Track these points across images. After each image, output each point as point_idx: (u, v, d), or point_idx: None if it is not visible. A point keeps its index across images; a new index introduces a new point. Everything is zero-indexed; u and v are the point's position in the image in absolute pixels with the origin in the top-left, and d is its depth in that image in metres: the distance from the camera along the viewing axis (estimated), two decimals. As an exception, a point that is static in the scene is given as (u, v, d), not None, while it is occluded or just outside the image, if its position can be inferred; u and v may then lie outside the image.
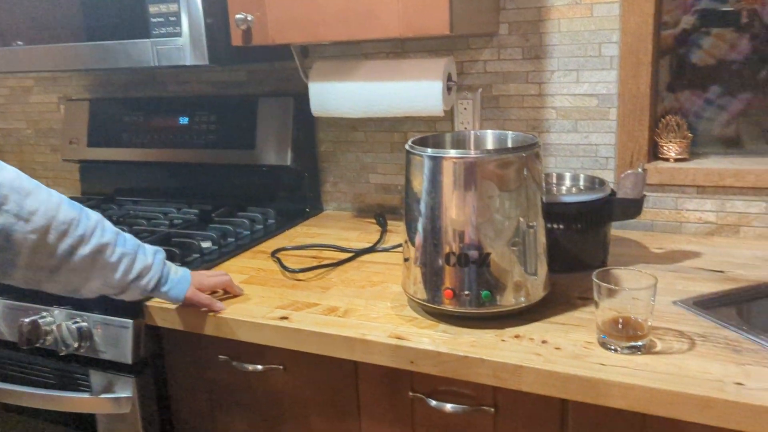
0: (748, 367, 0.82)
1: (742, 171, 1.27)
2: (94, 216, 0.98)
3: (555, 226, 1.12)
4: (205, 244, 1.39)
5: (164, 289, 1.04)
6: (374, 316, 1.03)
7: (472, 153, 0.93)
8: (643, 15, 1.29)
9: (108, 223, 1.00)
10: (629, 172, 1.14)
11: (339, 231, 1.51)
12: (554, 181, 1.28)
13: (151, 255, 1.03)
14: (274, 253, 1.35)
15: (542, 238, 0.99)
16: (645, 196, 1.15)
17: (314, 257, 1.33)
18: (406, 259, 1.03)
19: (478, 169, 0.93)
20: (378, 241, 1.39)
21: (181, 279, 1.06)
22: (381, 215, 1.55)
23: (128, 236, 1.02)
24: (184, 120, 1.69)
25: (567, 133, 1.40)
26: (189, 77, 1.78)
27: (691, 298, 1.03)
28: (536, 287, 0.98)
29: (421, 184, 0.97)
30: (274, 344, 1.03)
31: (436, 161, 0.95)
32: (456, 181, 0.93)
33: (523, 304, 0.97)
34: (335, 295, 1.12)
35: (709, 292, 1.05)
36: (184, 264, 1.28)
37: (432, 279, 0.98)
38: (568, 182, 1.27)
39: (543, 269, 0.99)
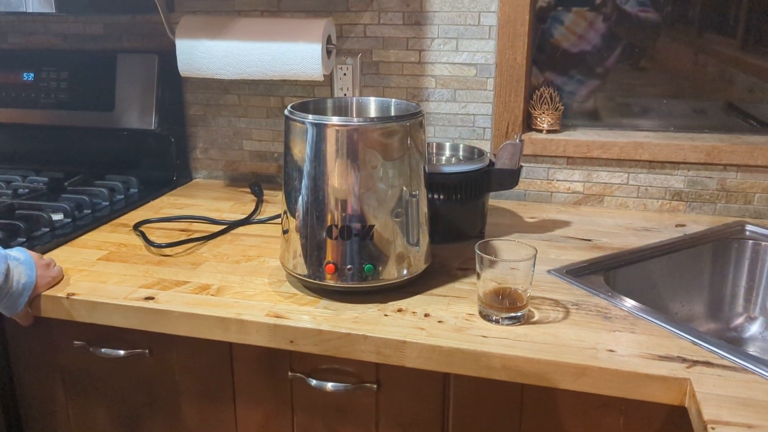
0: (617, 334, 0.85)
1: (607, 143, 1.33)
2: None
3: (435, 196, 1.11)
4: (56, 217, 1.24)
5: (0, 305, 0.93)
6: (250, 294, 0.97)
7: (356, 120, 0.89)
8: (521, -14, 1.29)
9: None
10: (507, 143, 1.14)
11: (210, 201, 1.41)
12: (434, 150, 1.27)
13: None
14: (136, 226, 1.23)
15: (424, 208, 0.97)
16: (522, 167, 1.17)
17: (183, 230, 1.23)
18: (285, 231, 0.97)
19: (361, 138, 0.88)
20: (253, 212, 1.31)
21: (23, 289, 0.93)
22: (256, 184, 1.47)
23: None
24: (28, 76, 1.50)
25: (446, 103, 1.39)
26: (34, 27, 1.57)
27: (563, 266, 1.07)
28: (418, 259, 0.96)
29: (302, 152, 0.91)
30: (138, 327, 0.94)
31: (319, 128, 0.89)
32: (339, 149, 0.89)
33: (406, 277, 0.95)
34: (207, 272, 1.04)
35: (579, 260, 1.09)
36: (30, 240, 1.14)
37: (313, 253, 0.93)
38: (447, 152, 1.26)
39: (425, 240, 0.97)
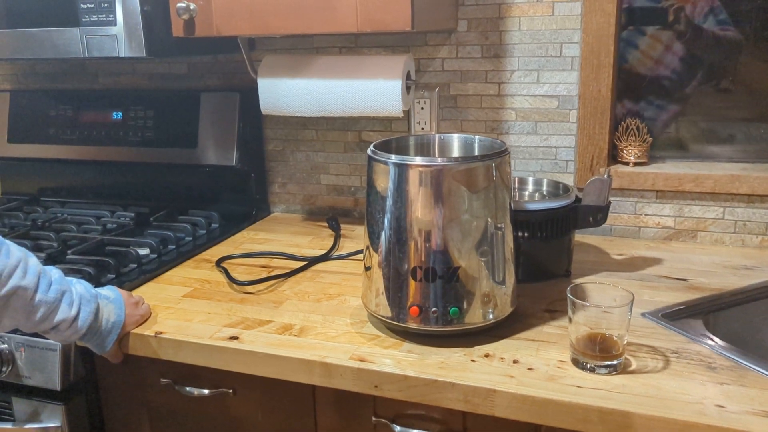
0: (726, 387, 0.79)
1: (701, 176, 1.26)
2: (18, 253, 0.84)
3: (519, 233, 1.07)
4: (143, 252, 1.28)
5: (90, 343, 0.95)
6: (333, 335, 0.96)
7: (440, 161, 0.87)
8: (605, 15, 1.25)
9: (33, 262, 0.86)
10: (595, 178, 1.10)
11: (289, 236, 1.42)
12: (516, 185, 1.24)
13: (76, 307, 0.89)
14: (219, 262, 1.25)
15: (510, 243, 0.93)
16: (610, 203, 1.12)
17: (263, 266, 1.24)
18: (367, 268, 0.95)
19: (445, 178, 0.86)
20: (332, 248, 1.31)
21: (112, 327, 0.95)
22: (333, 219, 1.47)
23: (55, 278, 0.88)
24: (117, 115, 1.56)
25: (526, 135, 1.36)
26: (123, 68, 1.65)
27: (658, 309, 1.01)
28: (504, 300, 0.93)
29: (384, 192, 0.90)
30: (223, 368, 0.95)
31: (402, 169, 0.88)
32: (422, 190, 0.87)
33: (492, 321, 0.92)
34: (289, 311, 1.04)
35: (675, 303, 1.03)
36: (119, 276, 1.17)
37: (396, 295, 0.91)
38: (530, 187, 1.23)
39: (511, 278, 0.94)
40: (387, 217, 0.90)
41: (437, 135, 1.05)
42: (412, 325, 0.91)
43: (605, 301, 0.87)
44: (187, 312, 1.05)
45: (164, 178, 1.56)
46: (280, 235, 1.43)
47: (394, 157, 0.88)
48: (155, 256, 1.27)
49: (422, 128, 1.41)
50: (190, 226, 1.39)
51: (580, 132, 1.31)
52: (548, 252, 1.11)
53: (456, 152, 1.03)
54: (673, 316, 0.99)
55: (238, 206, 1.53)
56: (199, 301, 1.09)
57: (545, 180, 1.21)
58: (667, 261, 1.21)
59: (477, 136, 1.02)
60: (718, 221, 1.28)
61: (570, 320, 0.86)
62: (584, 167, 1.33)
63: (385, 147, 0.98)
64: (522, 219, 1.07)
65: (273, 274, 1.18)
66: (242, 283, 1.13)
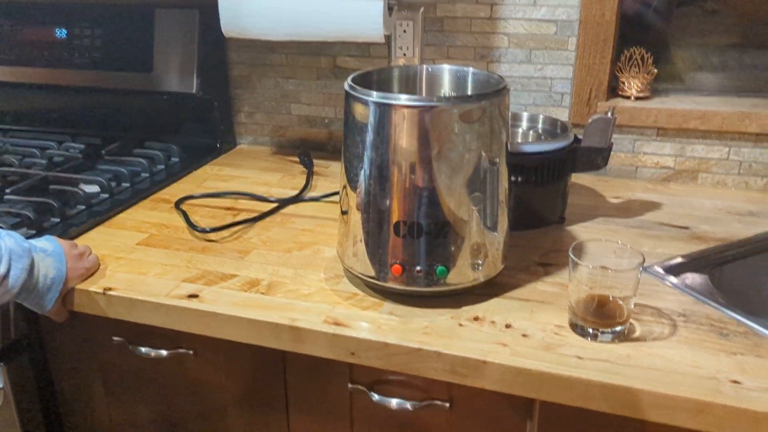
0: (741, 358, 0.72)
1: (708, 113, 1.16)
2: None
3: (512, 178, 0.97)
4: (92, 190, 1.14)
5: (27, 302, 0.84)
6: (305, 293, 0.86)
7: (429, 100, 0.75)
8: (614, -73, 1.10)
9: None
10: (597, 116, 0.99)
11: (257, 173, 1.29)
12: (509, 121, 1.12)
13: (5, 264, 0.77)
14: (178, 203, 1.13)
15: (505, 186, 0.83)
16: (613, 144, 1.01)
17: (228, 209, 1.12)
18: (344, 212, 0.84)
19: (435, 122, 0.74)
20: (304, 188, 1.19)
21: (51, 284, 0.84)
22: (306, 153, 1.34)
23: None
24: (61, 33, 1.39)
25: (519, 64, 1.23)
26: (66, -22, 1.45)
27: (661, 262, 0.92)
28: (496, 256, 0.83)
29: (363, 134, 0.78)
30: (181, 329, 0.85)
31: (384, 110, 0.75)
32: (408, 135, 0.75)
33: (483, 280, 0.83)
34: (256, 263, 0.94)
35: (679, 254, 0.95)
36: (64, 220, 1.05)
37: (376, 250, 0.81)
38: (525, 123, 1.11)
39: (504, 226, 0.83)
40: (366, 163, 0.78)
41: (425, 66, 0.91)
42: (394, 284, 0.81)
43: (610, 262, 0.78)
44: (142, 263, 0.93)
45: (117, 106, 1.41)
46: (247, 171, 1.31)
47: (375, 95, 0.76)
48: (107, 195, 1.14)
49: (404, 54, 1.27)
50: (146, 161, 1.26)
51: (578, 62, 1.19)
52: (542, 198, 1.01)
53: (446, 88, 0.91)
54: (677, 271, 0.91)
55: (200, 138, 1.39)
56: (155, 250, 0.98)
57: (541, 116, 1.09)
58: (667, 205, 1.12)
59: (471, 69, 0.89)
60: (722, 162, 1.19)
61: (570, 279, 0.77)
62: (581, 101, 1.21)
63: (365, 81, 0.85)
64: (516, 162, 0.96)
65: (238, 218, 1.07)
66: (204, 230, 1.02)
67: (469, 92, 0.89)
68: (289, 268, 0.92)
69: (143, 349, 0.90)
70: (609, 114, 0.98)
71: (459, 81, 0.90)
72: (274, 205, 1.12)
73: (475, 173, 0.77)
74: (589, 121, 0.99)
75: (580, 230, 1.02)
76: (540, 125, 1.09)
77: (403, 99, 0.75)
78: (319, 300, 0.84)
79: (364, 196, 0.80)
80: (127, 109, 1.40)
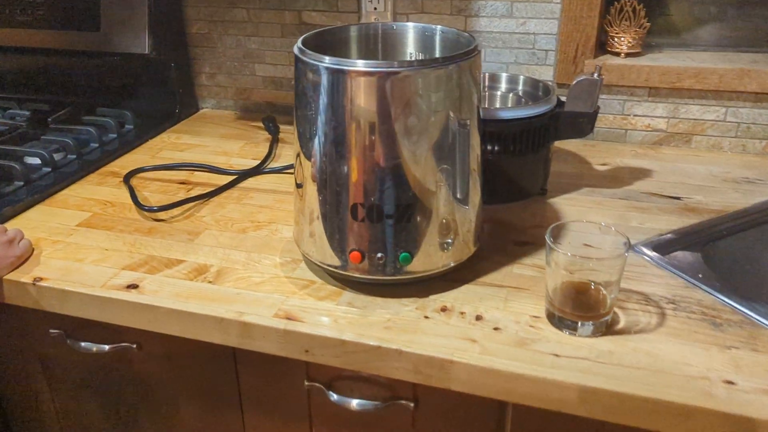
0: (735, 353, 0.64)
1: (704, 71, 1.06)
2: None
3: (488, 147, 0.88)
4: (32, 162, 1.05)
5: None
6: (257, 281, 0.77)
7: (388, 65, 0.65)
8: None
9: None
10: (582, 77, 0.89)
11: (217, 141, 1.20)
12: (486, 82, 1.02)
13: None
14: (127, 177, 1.03)
15: (477, 150, 0.74)
16: (599, 108, 0.92)
17: (182, 183, 1.03)
18: (298, 185, 0.75)
19: (395, 90, 0.65)
20: (266, 158, 1.10)
21: None
22: (270, 118, 1.25)
23: None
24: (0, -13, 1.26)
25: (500, 18, 1.12)
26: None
27: (649, 240, 0.85)
28: (467, 237, 0.75)
29: (316, 105, 0.68)
30: (119, 323, 0.77)
31: (337, 77, 0.66)
32: (364, 105, 0.66)
33: (452, 266, 0.74)
34: (206, 246, 0.85)
35: (668, 230, 0.87)
36: (1, 198, 0.95)
37: (334, 236, 0.72)
38: (504, 85, 1.01)
39: (476, 199, 0.75)
40: (319, 136, 0.69)
41: (386, 25, 0.81)
42: (353, 273, 0.73)
43: (593, 243, 0.70)
44: (80, 248, 0.85)
45: (65, 68, 1.30)
46: (208, 138, 1.21)
47: (327, 60, 0.66)
48: (49, 169, 1.05)
49: (374, 8, 1.16)
50: (96, 130, 1.15)
51: (564, 15, 1.08)
52: (521, 168, 0.92)
53: (410, 49, 0.81)
54: (667, 249, 0.83)
55: (157, 103, 1.29)
56: (96, 231, 0.89)
57: (521, 77, 1.00)
58: (658, 172, 1.04)
59: (438, 27, 0.79)
60: (718, 123, 1.10)
61: (547, 264, 0.69)
62: (567, 59, 1.11)
63: (318, 42, 0.75)
64: (492, 130, 0.87)
65: (190, 195, 0.98)
66: (151, 209, 0.93)
67: (437, 54, 0.79)
68: (242, 252, 0.84)
69: (83, 344, 0.82)
70: (595, 75, 0.89)
71: (425, 41, 0.80)
72: (232, 178, 1.03)
73: (441, 146, 0.68)
74: (573, 82, 0.90)
75: (563, 203, 0.94)
76: (520, 87, 0.99)
77: (360, 65, 0.65)
78: (272, 289, 0.76)
79: (318, 174, 0.71)
80: (76, 72, 1.29)
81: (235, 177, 1.03)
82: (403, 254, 0.71)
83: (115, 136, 1.19)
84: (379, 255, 0.71)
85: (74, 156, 1.09)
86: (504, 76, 1.01)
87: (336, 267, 0.73)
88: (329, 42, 0.77)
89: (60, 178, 1.03)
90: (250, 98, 1.34)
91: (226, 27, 1.28)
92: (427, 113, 0.66)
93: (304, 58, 0.68)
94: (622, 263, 0.66)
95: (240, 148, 1.16)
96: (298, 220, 0.77)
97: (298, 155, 0.74)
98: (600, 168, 1.06)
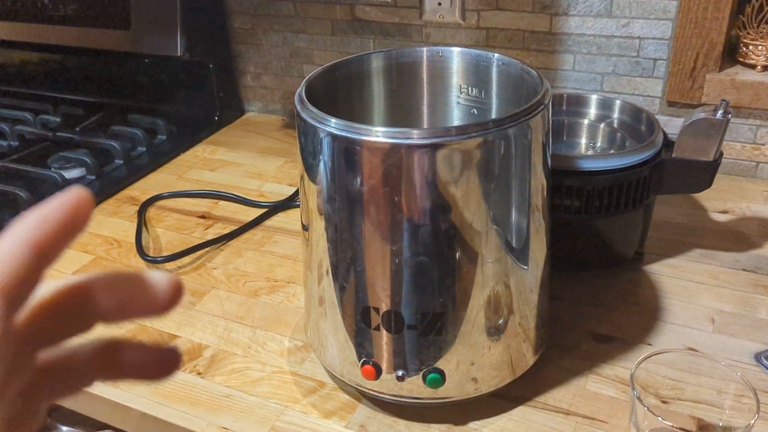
0: None
1: None
2: None
3: (566, 202, 0.67)
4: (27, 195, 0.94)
5: None
6: (255, 377, 0.62)
7: (422, 135, 0.45)
8: None
9: None
10: (699, 116, 0.66)
11: (255, 157, 1.04)
12: (565, 105, 0.80)
13: None
14: (143, 207, 0.90)
15: (540, 264, 0.54)
16: (722, 155, 0.68)
17: (203, 216, 0.89)
18: (306, 264, 0.59)
19: (429, 166, 0.46)
20: (301, 186, 0.93)
21: None
22: (317, 131, 1.08)
23: None
24: (33, -21, 1.15)
25: (596, 18, 0.89)
26: None
27: (784, 345, 0.62)
28: (522, 350, 0.56)
29: (319, 176, 0.50)
30: (89, 414, 0.64)
31: (347, 147, 0.47)
32: (385, 185, 0.47)
33: (497, 387, 0.56)
34: (208, 313, 0.70)
35: (812, 327, 0.64)
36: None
37: (342, 341, 0.55)
38: (593, 111, 0.79)
39: (535, 320, 0.56)
40: (325, 214, 0.52)
41: (432, 49, 0.61)
42: (368, 388, 0.56)
43: (703, 384, 0.49)
44: (67, 308, 0.72)
45: (97, 68, 1.18)
46: (244, 154, 1.06)
47: (333, 123, 0.48)
48: (62, 195, 0.93)
49: (439, 3, 0.95)
50: (120, 145, 1.03)
51: (681, 15, 0.83)
52: (610, 229, 0.70)
53: (459, 81, 0.61)
54: (809, 361, 0.60)
55: (194, 109, 1.15)
56: (91, 284, 0.76)
57: (618, 102, 0.77)
58: (799, 228, 0.79)
59: (496, 56, 0.58)
60: None
61: (631, 419, 0.49)
62: (682, 71, 0.86)
63: (332, 80, 0.57)
64: (573, 184, 0.66)
65: (206, 236, 0.83)
66: (154, 260, 0.79)
67: (494, 91, 0.59)
68: (247, 327, 0.68)
69: (64, 428, 0.71)
70: (719, 113, 0.65)
71: (479, 74, 0.59)
72: (259, 212, 0.87)
73: (487, 238, 0.49)
74: (687, 121, 0.66)
75: (664, 274, 0.72)
76: (615, 115, 0.77)
77: (377, 134, 0.46)
78: (270, 392, 0.60)
79: (322, 260, 0.54)
80: (109, 73, 1.17)
81: (263, 211, 0.87)
82: (432, 375, 0.53)
83: (144, 149, 1.06)
84: (400, 373, 0.53)
85: (93, 177, 0.98)
86: (594, 99, 0.78)
87: (346, 377, 0.56)
88: (346, 78, 0.59)
89: (73, 204, 0.91)
90: (299, 103, 1.17)
91: (271, 22, 1.11)
92: (469, 197, 0.47)
93: (304, 115, 0.50)
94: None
95: (277, 169, 1.00)
96: (306, 301, 0.61)
97: (304, 228, 0.57)
98: (719, 218, 0.82)
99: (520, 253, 0.52)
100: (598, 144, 0.75)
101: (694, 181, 0.68)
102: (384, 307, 0.51)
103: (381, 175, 0.47)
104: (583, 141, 0.76)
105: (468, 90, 0.61)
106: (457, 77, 0.60)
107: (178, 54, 1.06)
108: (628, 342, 0.63)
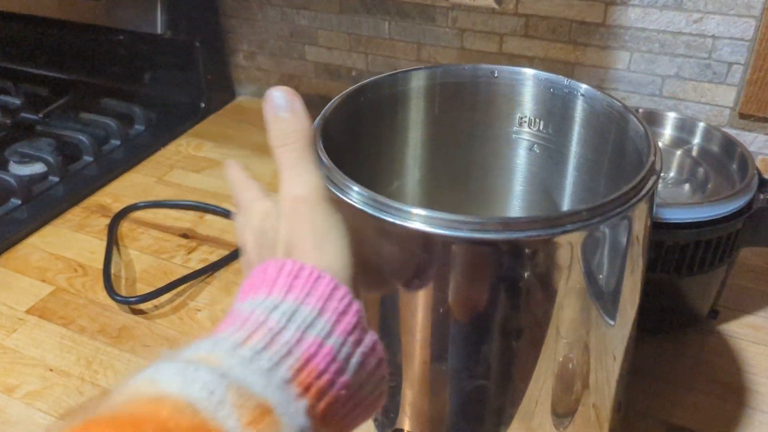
0: None
1: None
2: None
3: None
4: None
5: None
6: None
7: (470, 224, 0.32)
8: None
9: None
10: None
11: (248, 154, 0.90)
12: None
13: None
14: (115, 220, 0.76)
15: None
16: (834, 203, 0.55)
17: (185, 236, 0.75)
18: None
19: (491, 266, 0.33)
20: (303, 199, 0.79)
21: None
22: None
23: None
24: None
25: (661, 11, 0.74)
26: None
27: None
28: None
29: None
30: None
31: (373, 225, 0.34)
32: (433, 286, 0.34)
33: None
34: (188, 379, 0.57)
35: None
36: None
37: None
38: (668, 132, 0.64)
39: (615, 405, 0.44)
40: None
41: (482, 69, 0.46)
42: None
43: None
44: (16, 362, 0.59)
45: (68, 43, 1.01)
46: (236, 150, 0.91)
47: (356, 192, 0.34)
48: (18, 201, 0.79)
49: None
50: (91, 137, 0.87)
51: (770, 13, 0.69)
52: (689, 289, 0.57)
53: (524, 112, 0.46)
54: None
55: (177, 93, 0.99)
56: (49, 327, 0.63)
57: (701, 126, 0.62)
58: None
59: (576, 85, 0.44)
60: None
61: None
62: (763, 79, 0.72)
63: (356, 108, 0.42)
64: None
65: (190, 263, 0.70)
66: (126, 301, 0.65)
67: (568, 133, 0.45)
68: (238, 399, 0.55)
69: None
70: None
71: (550, 104, 0.45)
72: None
73: (566, 363, 0.36)
74: (797, 161, 0.53)
75: (742, 338, 0.60)
76: (696, 142, 0.63)
77: (413, 217, 0.32)
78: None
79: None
80: (79, 49, 1.01)
81: (255, 233, 0.74)
82: None
83: (118, 143, 0.91)
84: None
85: (57, 178, 0.83)
86: (670, 118, 0.64)
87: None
88: (375, 104, 0.44)
89: (33, 213, 0.77)
90: (299, 88, 1.00)
91: (269, -6, 0.95)
92: (550, 303, 0.34)
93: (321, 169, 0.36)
94: None
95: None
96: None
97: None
98: (800, 262, 0.69)
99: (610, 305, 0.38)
100: (671, 175, 0.62)
101: (795, 235, 0.55)
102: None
103: (421, 272, 0.33)
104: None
105: (531, 122, 0.47)
106: (524, 104, 0.46)
107: (159, 31, 0.90)
108: (703, 428, 0.51)
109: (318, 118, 0.40)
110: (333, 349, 0.27)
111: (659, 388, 0.55)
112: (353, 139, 0.36)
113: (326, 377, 0.26)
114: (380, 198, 0.33)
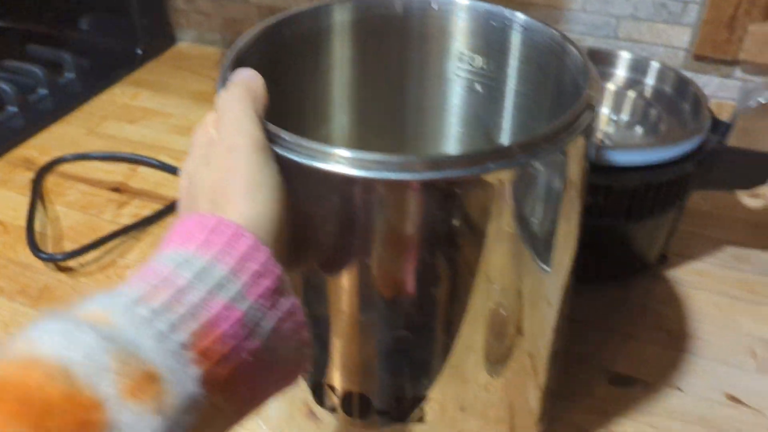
0: None
1: None
2: None
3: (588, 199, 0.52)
4: None
5: None
6: None
7: (396, 164, 0.29)
8: None
9: None
10: (760, 102, 0.50)
11: (188, 104, 0.85)
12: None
13: None
14: (41, 174, 0.71)
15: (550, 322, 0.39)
16: (787, 145, 0.53)
17: (116, 189, 0.70)
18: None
19: (416, 208, 0.30)
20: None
21: None
22: (264, 72, 0.88)
23: None
24: None
25: (617, -56, 0.70)
26: None
27: None
28: (529, 407, 0.42)
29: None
30: None
31: (304, 176, 0.30)
32: (353, 232, 0.31)
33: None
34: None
35: None
36: None
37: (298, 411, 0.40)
38: (622, 74, 0.61)
39: (550, 369, 0.42)
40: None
41: (418, 2, 0.42)
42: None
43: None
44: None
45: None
46: (174, 99, 0.86)
47: (284, 136, 0.30)
48: (-68, 155, 0.73)
49: None
50: (12, 88, 0.81)
51: (728, -53, 0.66)
52: (638, 235, 0.56)
53: (462, 49, 0.43)
54: None
55: (110, 39, 0.93)
56: (-35, 288, 0.59)
57: (656, 65, 0.59)
58: None
59: (516, 15, 0.40)
60: None
61: None
62: (718, 19, 0.69)
63: (274, 45, 0.38)
64: (595, 181, 0.50)
65: (116, 224, 0.65)
66: (52, 258, 0.61)
67: (508, 69, 0.41)
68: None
69: None
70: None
71: (490, 38, 0.42)
72: (187, 187, 0.69)
73: (494, 313, 0.34)
74: (744, 102, 0.50)
75: (690, 284, 0.59)
76: (650, 82, 0.60)
77: (337, 158, 0.29)
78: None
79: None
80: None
81: (191, 186, 0.69)
82: (412, 471, 0.38)
83: (46, 92, 0.85)
84: (367, 467, 0.39)
85: (-23, 130, 0.77)
86: (624, 57, 0.61)
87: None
88: (296, 40, 0.40)
89: (-51, 168, 0.72)
90: (242, 32, 0.96)
91: (206, -70, 0.89)
92: (479, 247, 0.31)
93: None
94: None
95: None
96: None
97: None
98: (751, 204, 0.68)
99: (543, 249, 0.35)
100: (623, 117, 0.59)
101: (747, 177, 0.53)
102: (343, 386, 0.36)
103: (345, 218, 0.30)
104: (604, 111, 0.60)
105: (472, 59, 0.43)
106: (461, 38, 0.42)
107: (85, -31, 0.83)
108: (653, 386, 0.50)
109: (229, 51, 0.36)
110: (242, 313, 0.24)
111: (602, 337, 0.54)
112: (272, 80, 0.33)
113: (231, 342, 0.24)
114: (300, 140, 0.29)
